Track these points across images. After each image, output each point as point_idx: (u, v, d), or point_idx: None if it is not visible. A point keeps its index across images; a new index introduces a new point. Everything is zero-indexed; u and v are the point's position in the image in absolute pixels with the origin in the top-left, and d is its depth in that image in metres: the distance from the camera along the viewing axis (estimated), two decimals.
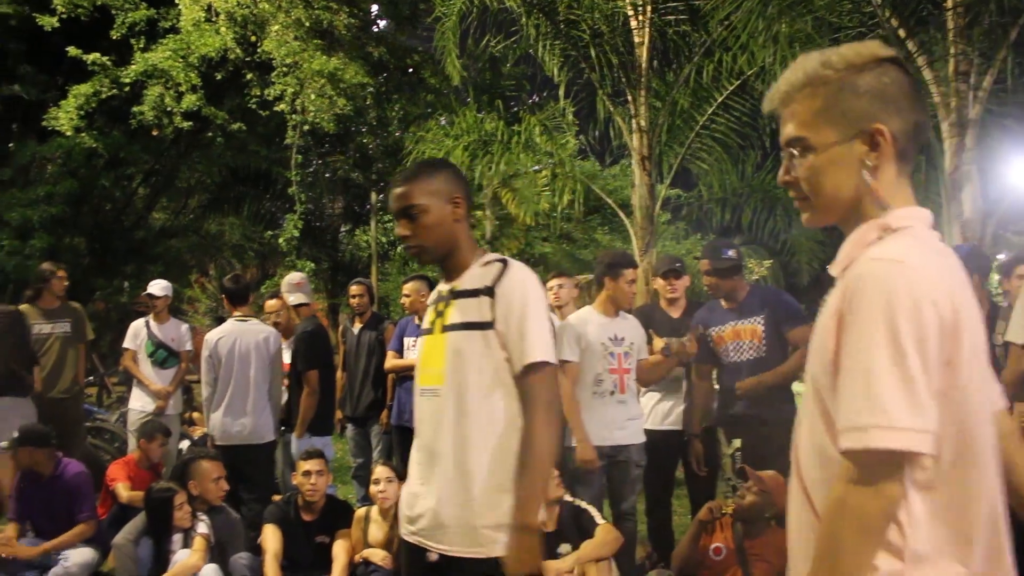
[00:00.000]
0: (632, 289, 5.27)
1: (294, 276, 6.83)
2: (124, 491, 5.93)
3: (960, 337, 1.42)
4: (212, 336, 6.23)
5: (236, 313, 6.29)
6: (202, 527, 5.13)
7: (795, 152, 1.60)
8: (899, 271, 1.40)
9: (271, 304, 7.12)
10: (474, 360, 2.52)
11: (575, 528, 4.58)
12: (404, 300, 6.61)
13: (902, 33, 8.47)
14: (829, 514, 1.42)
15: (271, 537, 5.11)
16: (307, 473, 5.19)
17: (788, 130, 1.61)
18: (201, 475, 5.33)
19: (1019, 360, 4.33)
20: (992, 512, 1.48)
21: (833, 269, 1.60)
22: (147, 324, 7.55)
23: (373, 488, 5.19)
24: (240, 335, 6.15)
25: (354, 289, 7.06)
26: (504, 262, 2.64)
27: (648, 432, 5.33)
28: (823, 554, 1.41)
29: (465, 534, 2.45)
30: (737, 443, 5.15)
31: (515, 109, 15.47)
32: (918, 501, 1.41)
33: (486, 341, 2.52)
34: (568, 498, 4.69)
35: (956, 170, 8.23)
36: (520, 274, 2.59)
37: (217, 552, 5.16)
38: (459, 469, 2.47)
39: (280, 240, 15.47)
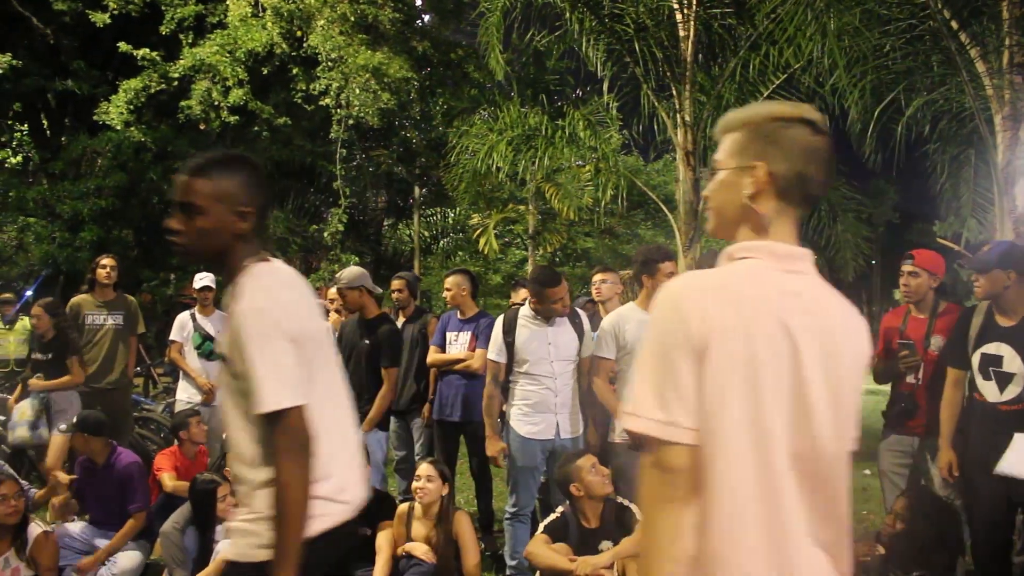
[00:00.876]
0: None
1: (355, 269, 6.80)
2: (169, 480, 6.01)
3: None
4: None
5: None
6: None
7: (711, 172, 1.93)
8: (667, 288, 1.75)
9: (332, 293, 7.25)
10: (228, 399, 2.35)
11: (618, 525, 4.56)
12: (446, 294, 6.62)
13: (954, 24, 8.30)
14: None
15: None
16: None
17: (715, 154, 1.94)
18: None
19: None
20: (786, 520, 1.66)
21: None
22: (193, 316, 7.64)
23: (415, 484, 5.20)
24: None
25: (395, 283, 7.09)
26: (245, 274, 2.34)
27: None
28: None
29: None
30: None
31: (559, 104, 15.43)
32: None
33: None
34: (613, 495, 4.67)
35: (1009, 164, 8.05)
36: (248, 300, 2.25)
37: None
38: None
39: (324, 234, 15.59)
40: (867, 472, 6.34)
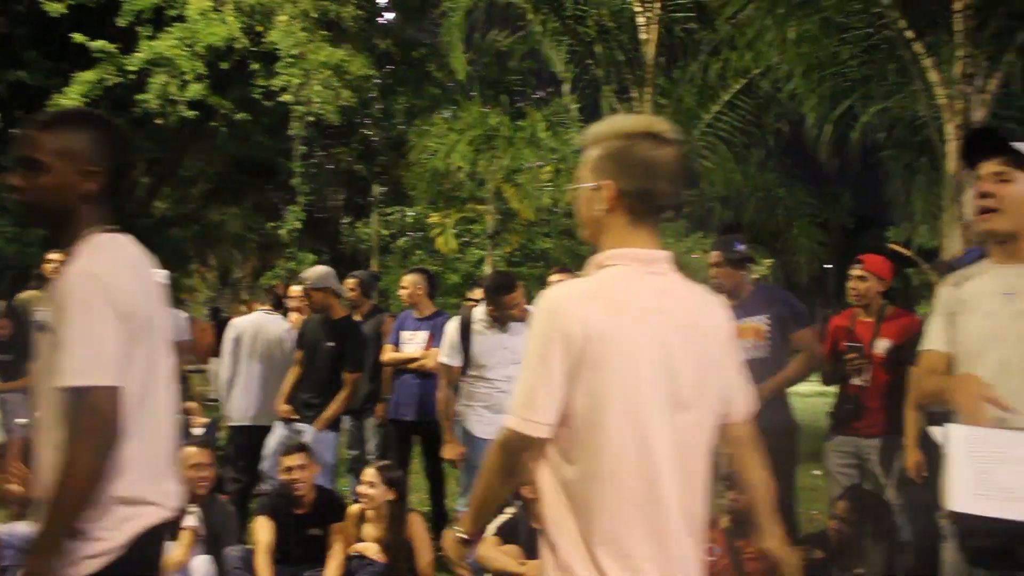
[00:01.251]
0: None
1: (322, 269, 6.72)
2: None
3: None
4: (239, 322, 6.72)
5: (261, 307, 7.06)
6: (190, 520, 5.05)
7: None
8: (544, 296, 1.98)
9: (295, 290, 7.20)
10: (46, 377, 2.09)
11: None
12: (402, 292, 6.58)
13: (910, 34, 8.43)
14: None
15: (263, 529, 5.08)
16: (288, 468, 5.15)
17: None
18: (181, 462, 5.19)
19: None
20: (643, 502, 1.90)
21: None
22: None
23: (358, 488, 5.18)
24: (265, 324, 6.62)
25: (348, 283, 7.00)
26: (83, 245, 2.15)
27: None
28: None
29: None
30: None
31: (520, 104, 15.44)
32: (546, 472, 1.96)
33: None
34: None
35: (959, 172, 8.19)
36: (81, 264, 2.08)
37: (211, 544, 5.12)
38: None
39: (282, 231, 15.46)
40: (816, 472, 6.41)
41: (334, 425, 6.02)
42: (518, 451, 1.97)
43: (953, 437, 2.29)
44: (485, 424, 5.26)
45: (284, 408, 6.01)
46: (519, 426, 1.92)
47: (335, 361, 5.96)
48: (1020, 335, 2.46)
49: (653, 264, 1.99)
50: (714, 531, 4.41)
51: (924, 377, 2.72)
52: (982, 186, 2.54)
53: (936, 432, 2.36)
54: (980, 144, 2.64)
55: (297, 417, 5.98)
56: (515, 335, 5.31)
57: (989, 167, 2.53)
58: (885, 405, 4.78)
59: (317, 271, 6.27)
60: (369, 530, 5.12)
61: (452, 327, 5.49)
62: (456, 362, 5.38)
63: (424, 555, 5.00)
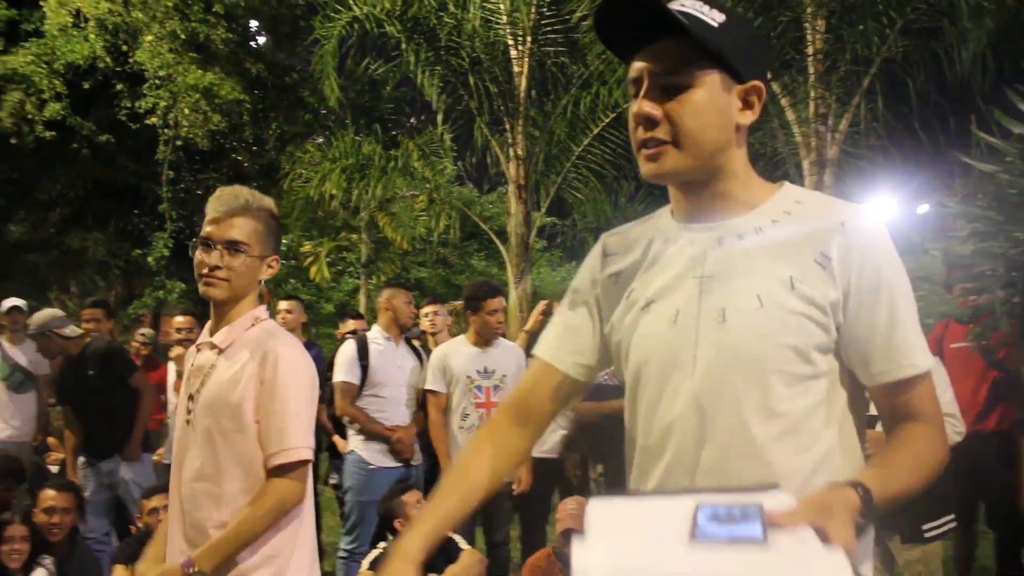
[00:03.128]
0: (497, 318, 5.19)
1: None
2: None
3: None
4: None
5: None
6: (39, 573, 4.50)
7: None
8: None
9: (177, 322, 6.66)
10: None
11: (443, 556, 4.56)
12: (279, 318, 6.43)
13: (769, 75, 8.85)
14: None
15: None
16: (152, 511, 4.59)
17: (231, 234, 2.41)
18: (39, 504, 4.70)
19: None
20: None
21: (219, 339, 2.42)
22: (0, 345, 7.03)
23: None
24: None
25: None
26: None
27: None
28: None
29: None
30: (600, 468, 5.23)
31: (393, 132, 15.44)
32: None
33: None
34: None
35: None
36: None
37: None
38: None
39: (149, 258, 14.95)
40: None
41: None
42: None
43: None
44: (376, 450, 5.16)
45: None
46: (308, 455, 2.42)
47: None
48: None
49: None
50: None
51: None
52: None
53: None
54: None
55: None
56: (406, 352, 5.33)
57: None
58: None
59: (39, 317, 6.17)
60: None
61: (349, 348, 5.36)
62: (354, 379, 5.25)
63: None
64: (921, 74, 8.83)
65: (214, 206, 2.44)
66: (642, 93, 1.45)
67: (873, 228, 1.44)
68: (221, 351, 2.41)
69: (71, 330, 6.17)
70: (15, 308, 7.05)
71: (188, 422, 2.41)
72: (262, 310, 2.49)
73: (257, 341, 2.40)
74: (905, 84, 8.94)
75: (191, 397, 2.42)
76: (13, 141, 13.48)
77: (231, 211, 2.40)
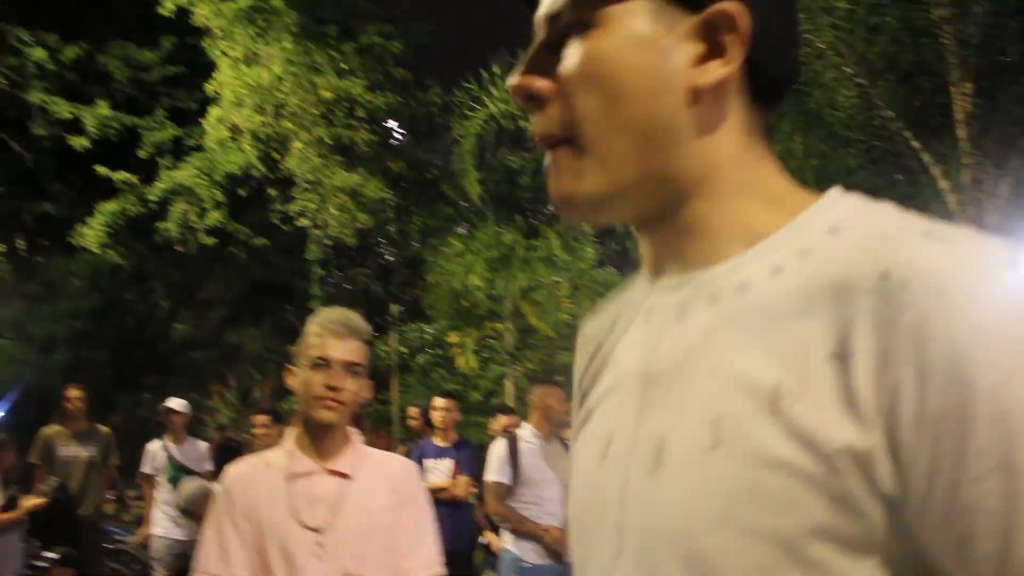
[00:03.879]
0: None
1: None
2: None
3: None
4: None
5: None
6: None
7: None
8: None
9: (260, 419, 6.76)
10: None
11: None
12: (434, 415, 6.37)
13: (916, 144, 8.57)
14: None
15: None
16: None
17: None
18: None
19: None
20: None
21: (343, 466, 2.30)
22: (164, 447, 7.24)
23: None
24: None
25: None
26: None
27: None
28: None
29: None
30: None
31: (533, 221, 15.62)
32: None
33: None
34: None
35: None
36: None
37: None
38: None
39: None
40: None
41: None
42: None
43: None
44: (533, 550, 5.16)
45: None
46: None
47: None
48: None
49: None
50: None
51: None
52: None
53: None
54: None
55: None
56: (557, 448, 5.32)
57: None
58: None
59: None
60: None
61: (499, 446, 5.40)
62: (505, 479, 5.26)
63: None
64: None
65: (326, 327, 2.26)
66: (528, 54, 0.81)
67: (961, 281, 0.62)
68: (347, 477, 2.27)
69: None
70: (172, 411, 7.31)
71: (318, 556, 2.17)
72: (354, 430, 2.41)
73: (386, 460, 2.42)
74: None
75: (317, 530, 2.18)
76: (179, 248, 14.34)
77: (348, 332, 2.26)
